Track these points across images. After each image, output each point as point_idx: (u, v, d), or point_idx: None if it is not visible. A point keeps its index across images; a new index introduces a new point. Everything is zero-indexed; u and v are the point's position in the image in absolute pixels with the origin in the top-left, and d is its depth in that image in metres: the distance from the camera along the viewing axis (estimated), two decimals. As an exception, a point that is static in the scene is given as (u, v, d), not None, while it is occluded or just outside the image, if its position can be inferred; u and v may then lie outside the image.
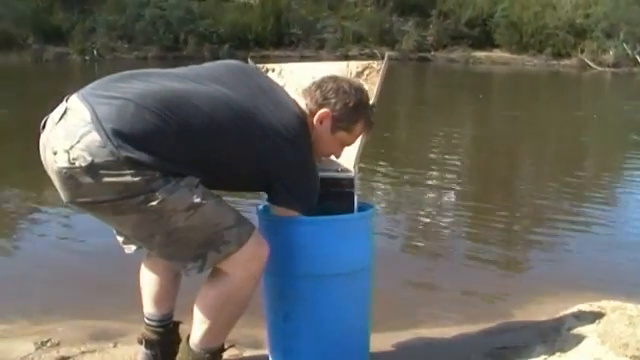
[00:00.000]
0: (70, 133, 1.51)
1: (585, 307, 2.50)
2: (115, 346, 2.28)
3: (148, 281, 1.94)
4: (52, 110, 1.62)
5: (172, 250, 1.63)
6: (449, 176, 5.59)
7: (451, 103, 11.59)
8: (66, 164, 1.50)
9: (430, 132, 7.98)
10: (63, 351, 2.23)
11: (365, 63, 2.10)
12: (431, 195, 4.98)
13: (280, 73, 2.15)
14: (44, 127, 1.61)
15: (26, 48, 19.14)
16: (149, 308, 1.94)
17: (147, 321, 1.95)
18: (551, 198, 4.95)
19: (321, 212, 1.82)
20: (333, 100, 1.79)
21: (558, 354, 2.04)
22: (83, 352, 2.22)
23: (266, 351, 2.06)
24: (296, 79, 2.08)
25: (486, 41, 22.38)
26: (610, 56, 19.98)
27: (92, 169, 1.49)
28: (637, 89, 16.15)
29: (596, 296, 2.66)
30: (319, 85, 1.82)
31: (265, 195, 1.82)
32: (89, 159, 1.48)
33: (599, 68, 19.57)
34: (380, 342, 2.27)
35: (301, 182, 1.76)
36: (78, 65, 18.38)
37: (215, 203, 1.62)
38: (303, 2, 22.18)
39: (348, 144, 1.90)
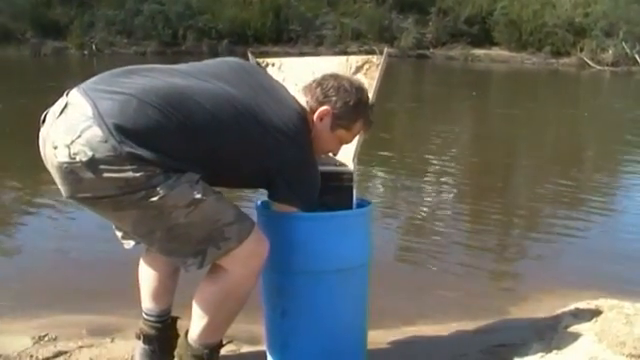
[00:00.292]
0: (71, 128, 1.50)
1: (582, 305, 2.50)
2: (112, 341, 2.28)
3: (147, 276, 1.94)
4: (51, 104, 1.61)
5: (172, 246, 1.63)
6: (445, 175, 5.59)
7: (443, 101, 11.63)
8: (67, 159, 1.50)
9: (420, 130, 8.00)
10: (60, 346, 2.23)
11: (365, 58, 2.10)
12: (427, 194, 4.98)
13: (280, 67, 2.15)
14: (44, 121, 1.60)
15: (24, 42, 19.14)
16: (147, 303, 1.94)
17: (145, 316, 1.95)
18: (547, 197, 4.96)
19: (319, 206, 1.82)
20: (334, 98, 1.80)
21: (555, 352, 2.04)
22: (80, 347, 2.22)
23: (264, 347, 2.06)
24: (296, 74, 2.08)
25: (485, 39, 22.42)
26: (609, 55, 20.02)
27: (93, 164, 1.48)
28: (632, 88, 16.17)
29: (593, 294, 2.67)
30: (320, 83, 1.83)
31: (263, 191, 1.82)
32: (90, 154, 1.48)
33: (598, 67, 19.60)
34: (377, 339, 2.28)
35: (302, 178, 1.76)
36: (77, 60, 18.36)
37: (215, 199, 1.62)
38: (302, -2, 22.20)
39: (346, 142, 1.91)
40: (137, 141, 1.49)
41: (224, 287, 1.66)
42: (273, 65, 2.16)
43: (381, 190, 5.02)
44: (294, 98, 1.81)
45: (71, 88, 1.61)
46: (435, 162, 6.02)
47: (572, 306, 2.52)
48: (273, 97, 1.75)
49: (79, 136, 1.48)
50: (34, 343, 2.25)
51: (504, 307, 2.79)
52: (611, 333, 2.05)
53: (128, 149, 1.48)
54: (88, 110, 1.51)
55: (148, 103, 1.53)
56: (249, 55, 2.15)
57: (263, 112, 1.67)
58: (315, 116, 1.79)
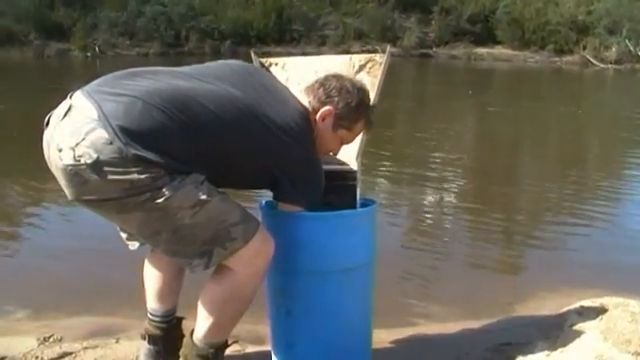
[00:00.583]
0: (75, 130, 1.51)
1: (587, 303, 2.49)
2: (117, 342, 2.28)
3: (151, 277, 1.94)
4: (55, 107, 1.61)
5: (178, 247, 1.63)
6: (444, 175, 5.59)
7: (439, 99, 11.66)
8: (71, 161, 1.50)
9: (414, 129, 8.01)
10: (65, 347, 2.23)
11: (368, 56, 2.11)
12: (430, 192, 4.98)
13: (283, 67, 2.15)
14: (47, 124, 1.60)
15: (28, 44, 19.16)
16: (152, 304, 1.94)
17: (150, 317, 1.95)
18: (552, 194, 4.95)
19: (324, 206, 1.82)
20: (336, 99, 1.80)
21: (560, 350, 2.04)
22: (85, 348, 2.22)
23: (269, 347, 2.06)
24: (299, 73, 2.08)
25: (488, 37, 22.39)
26: (612, 53, 19.97)
27: (97, 166, 1.48)
28: (635, 86, 16.12)
29: (598, 292, 2.67)
30: (322, 83, 1.83)
31: (267, 191, 1.82)
32: (94, 156, 1.48)
33: (601, 65, 19.55)
34: (381, 338, 2.27)
35: (306, 178, 1.76)
36: (80, 61, 18.39)
37: (220, 200, 1.62)
38: (305, -2, 22.19)
39: (347, 142, 1.91)
40: (142, 143, 1.49)
41: (230, 287, 1.66)
42: (276, 65, 2.16)
43: (382, 188, 5.02)
44: (296, 98, 1.82)
45: (74, 90, 1.61)
46: (432, 162, 6.03)
47: (577, 304, 2.52)
48: (276, 97, 1.75)
49: (83, 138, 1.48)
50: (39, 344, 2.25)
51: (509, 305, 2.79)
52: (616, 331, 2.05)
53: (134, 151, 1.48)
54: (93, 112, 1.51)
55: (153, 105, 1.53)
56: (252, 55, 2.15)
57: (266, 113, 1.67)
58: (317, 116, 1.79)
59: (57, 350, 2.20)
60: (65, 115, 1.55)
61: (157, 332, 1.94)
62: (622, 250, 3.62)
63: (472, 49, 21.92)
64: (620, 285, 2.86)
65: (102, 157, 1.48)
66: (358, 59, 2.10)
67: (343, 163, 1.98)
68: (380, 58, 2.06)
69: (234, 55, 16.67)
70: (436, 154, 6.39)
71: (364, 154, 2.05)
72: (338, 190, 1.93)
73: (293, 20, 21.93)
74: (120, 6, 20.75)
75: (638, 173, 5.95)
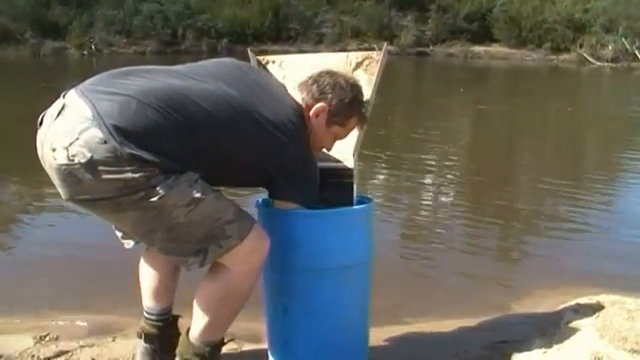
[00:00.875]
0: (69, 130, 1.50)
1: (584, 301, 2.50)
2: (114, 340, 2.28)
3: (147, 275, 1.93)
4: (49, 106, 1.60)
5: (173, 245, 1.63)
6: (439, 173, 5.60)
7: (429, 97, 11.69)
8: (65, 161, 1.49)
9: (400, 126, 8.02)
10: (62, 345, 2.22)
11: (365, 53, 2.11)
12: (427, 191, 4.99)
13: (280, 65, 2.15)
14: (41, 123, 1.60)
15: (24, 43, 19.12)
16: (148, 302, 1.94)
17: (146, 315, 1.95)
18: (548, 193, 4.95)
19: (320, 203, 1.82)
20: (330, 95, 1.80)
21: (557, 348, 2.04)
22: (82, 346, 2.22)
23: (265, 345, 2.06)
24: (296, 71, 2.07)
25: (485, 36, 22.42)
26: (609, 51, 20.01)
27: (91, 165, 1.48)
28: (629, 84, 16.13)
29: (595, 290, 2.67)
30: (316, 79, 1.83)
31: (263, 189, 1.82)
32: (88, 155, 1.47)
33: (598, 63, 19.59)
34: (378, 336, 2.27)
35: (301, 175, 1.76)
36: (76, 60, 18.36)
37: (215, 197, 1.62)
38: (301, -4, 22.19)
39: (341, 138, 1.91)
40: (137, 142, 1.49)
41: (225, 285, 1.66)
42: (274, 62, 2.16)
43: (379, 186, 5.02)
44: (290, 95, 1.82)
45: (68, 89, 1.60)
46: (424, 161, 6.04)
47: (574, 302, 2.53)
48: (270, 95, 1.75)
49: (77, 138, 1.48)
50: (35, 343, 2.25)
51: (506, 303, 2.79)
52: (613, 328, 2.05)
53: (129, 150, 1.47)
54: (87, 111, 1.51)
55: (147, 104, 1.53)
56: (249, 53, 2.15)
57: (261, 110, 1.67)
58: (311, 113, 1.79)
59: (53, 349, 2.20)
60: (59, 114, 1.54)
61: (153, 330, 1.93)
62: (618, 248, 3.62)
63: (469, 47, 21.95)
64: (616, 283, 2.87)
65: (96, 156, 1.47)
66: (355, 56, 2.10)
67: (338, 160, 1.98)
68: (377, 55, 2.06)
69: (231, 53, 16.65)
70: (421, 153, 6.40)
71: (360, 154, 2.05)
72: (335, 187, 1.93)
73: (290, 18, 21.93)
74: (116, 4, 20.74)
75: (627, 171, 5.94)
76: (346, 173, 1.97)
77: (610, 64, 19.40)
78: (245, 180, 1.81)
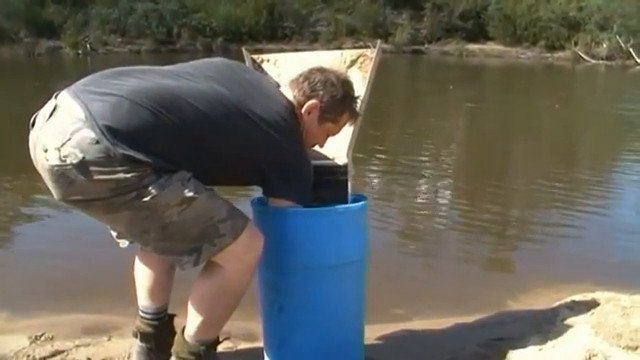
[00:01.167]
0: (61, 130, 1.50)
1: (579, 298, 2.51)
2: (109, 339, 2.28)
3: (142, 274, 1.93)
4: (43, 105, 1.60)
5: (167, 245, 1.62)
6: (433, 172, 5.60)
7: (419, 95, 11.74)
8: (57, 162, 1.49)
9: (385, 125, 8.05)
10: (57, 345, 2.22)
11: (359, 51, 2.11)
12: (423, 189, 4.99)
13: (275, 63, 2.14)
14: (33, 124, 1.60)
15: (18, 42, 19.04)
16: (144, 301, 1.94)
17: (142, 314, 1.94)
18: (543, 191, 4.96)
19: (314, 201, 1.82)
20: (321, 92, 1.80)
21: (552, 345, 2.05)
22: (77, 346, 2.21)
23: (261, 343, 2.06)
24: (291, 69, 2.07)
25: (480, 34, 22.43)
26: (603, 49, 20.05)
27: (83, 166, 1.47)
28: (622, 82, 16.16)
29: (590, 287, 2.68)
30: (307, 77, 1.83)
31: (258, 188, 1.82)
32: (80, 156, 1.47)
33: (592, 61, 19.62)
34: (374, 334, 2.28)
35: (295, 172, 1.76)
36: (71, 59, 18.30)
37: (208, 196, 1.61)
38: (296, -5, 22.15)
39: (333, 134, 1.91)
40: (130, 143, 1.49)
41: (220, 283, 1.66)
42: (268, 61, 2.16)
43: (373, 184, 5.02)
44: (282, 93, 1.82)
45: (60, 90, 1.60)
46: (417, 161, 6.04)
47: (569, 299, 2.54)
48: (261, 92, 1.76)
49: (69, 138, 1.48)
50: (31, 342, 2.25)
51: (501, 301, 2.79)
52: (608, 325, 2.06)
53: (122, 151, 1.47)
54: (79, 112, 1.50)
55: (140, 104, 1.53)
56: (244, 52, 2.15)
57: (253, 108, 1.67)
58: (303, 110, 1.79)
59: (49, 348, 2.19)
60: (51, 115, 1.54)
61: (149, 329, 1.93)
62: (613, 245, 3.63)
63: (464, 45, 21.96)
64: (611, 280, 2.88)
65: (88, 157, 1.47)
66: (349, 54, 2.11)
67: (332, 158, 1.98)
68: (371, 53, 2.07)
69: (226, 52, 16.66)
70: (413, 152, 6.41)
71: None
72: (329, 185, 1.93)
73: (285, 17, 21.90)
74: (111, 3, 20.66)
75: (617, 169, 5.95)
76: (340, 170, 1.96)
77: (605, 62, 19.44)
78: (239, 178, 1.80)
